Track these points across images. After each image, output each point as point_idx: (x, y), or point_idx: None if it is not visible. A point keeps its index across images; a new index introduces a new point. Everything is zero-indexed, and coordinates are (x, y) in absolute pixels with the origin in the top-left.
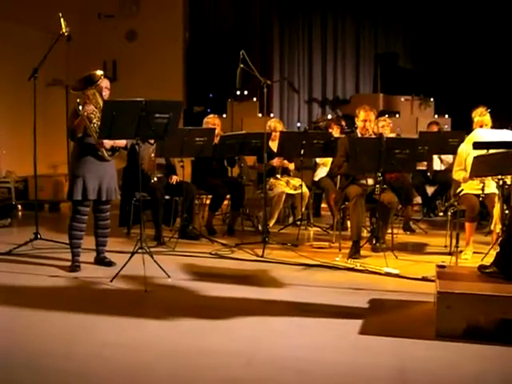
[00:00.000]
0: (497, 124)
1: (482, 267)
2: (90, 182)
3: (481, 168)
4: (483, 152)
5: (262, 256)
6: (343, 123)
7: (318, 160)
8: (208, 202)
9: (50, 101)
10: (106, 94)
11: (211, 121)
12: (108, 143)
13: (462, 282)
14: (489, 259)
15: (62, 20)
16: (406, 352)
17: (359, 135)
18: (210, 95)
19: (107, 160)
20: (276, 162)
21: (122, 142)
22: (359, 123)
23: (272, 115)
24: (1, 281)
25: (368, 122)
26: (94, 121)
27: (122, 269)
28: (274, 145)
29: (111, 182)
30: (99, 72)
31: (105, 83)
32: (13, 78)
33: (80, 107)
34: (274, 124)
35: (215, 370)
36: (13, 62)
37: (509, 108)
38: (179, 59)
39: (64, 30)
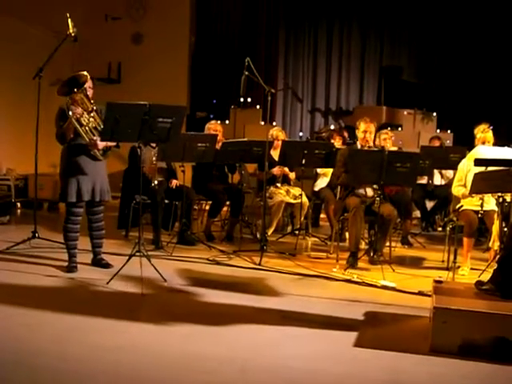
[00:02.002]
0: (499, 141)
1: (478, 284)
2: (84, 183)
3: (481, 185)
4: (484, 169)
5: (259, 264)
6: (345, 134)
7: (318, 170)
8: (207, 207)
9: (52, 100)
10: (90, 93)
11: (213, 127)
12: (101, 144)
13: (459, 298)
14: (486, 276)
15: (69, 21)
16: (399, 366)
17: (359, 146)
18: (214, 101)
19: (99, 160)
20: (277, 170)
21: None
22: (360, 134)
23: (275, 124)
24: None
25: (368, 134)
26: (84, 123)
27: (119, 271)
28: (275, 153)
29: (103, 182)
30: (85, 72)
31: (88, 83)
32: (17, 77)
33: (70, 112)
34: (276, 132)
35: (209, 375)
36: (17, 60)
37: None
38: (184, 64)
39: (71, 31)
